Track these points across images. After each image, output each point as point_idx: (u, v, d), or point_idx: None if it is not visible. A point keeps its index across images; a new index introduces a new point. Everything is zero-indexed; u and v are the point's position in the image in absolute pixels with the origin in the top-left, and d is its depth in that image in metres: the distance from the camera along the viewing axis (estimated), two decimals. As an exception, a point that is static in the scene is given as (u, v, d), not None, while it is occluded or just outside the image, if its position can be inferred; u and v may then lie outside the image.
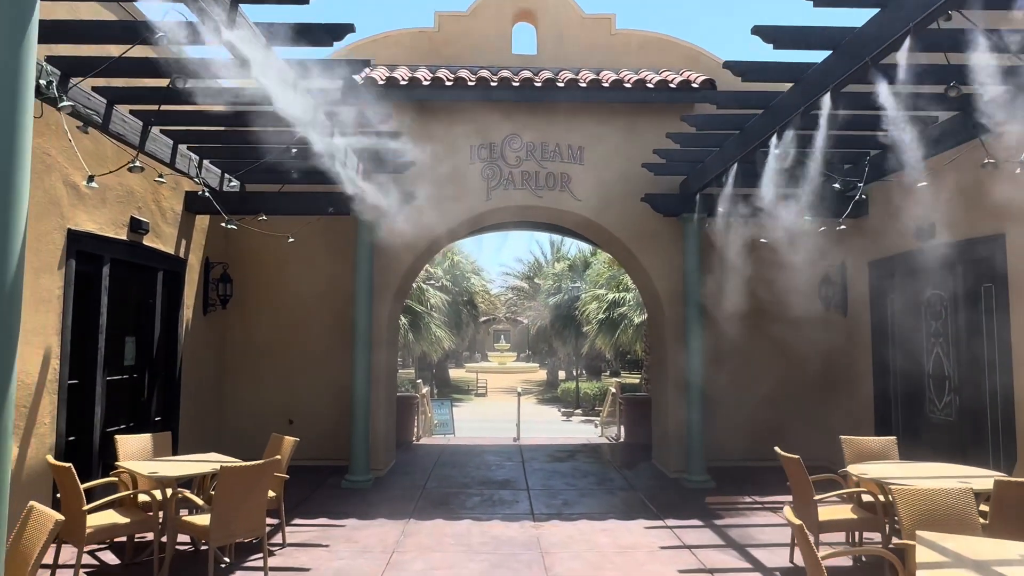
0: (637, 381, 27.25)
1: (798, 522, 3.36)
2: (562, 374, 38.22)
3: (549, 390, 35.47)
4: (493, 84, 8.86)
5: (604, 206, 9.17)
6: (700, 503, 7.46)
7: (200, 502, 4.97)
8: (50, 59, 5.14)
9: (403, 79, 8.78)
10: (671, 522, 6.71)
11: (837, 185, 6.40)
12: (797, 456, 5.22)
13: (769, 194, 6.65)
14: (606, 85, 8.85)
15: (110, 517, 4.99)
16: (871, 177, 7.30)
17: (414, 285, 22.20)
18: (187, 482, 5.82)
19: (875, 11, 4.48)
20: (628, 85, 8.86)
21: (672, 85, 8.84)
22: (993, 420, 6.42)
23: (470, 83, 8.79)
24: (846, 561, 5.52)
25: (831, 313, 9.20)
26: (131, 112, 6.35)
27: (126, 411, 7.24)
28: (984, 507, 4.47)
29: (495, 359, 49.16)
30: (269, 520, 5.98)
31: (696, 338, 8.44)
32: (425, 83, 8.78)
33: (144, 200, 7.34)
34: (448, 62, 9.47)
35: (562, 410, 27.60)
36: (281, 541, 5.88)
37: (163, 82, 6.02)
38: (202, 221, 8.75)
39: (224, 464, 4.79)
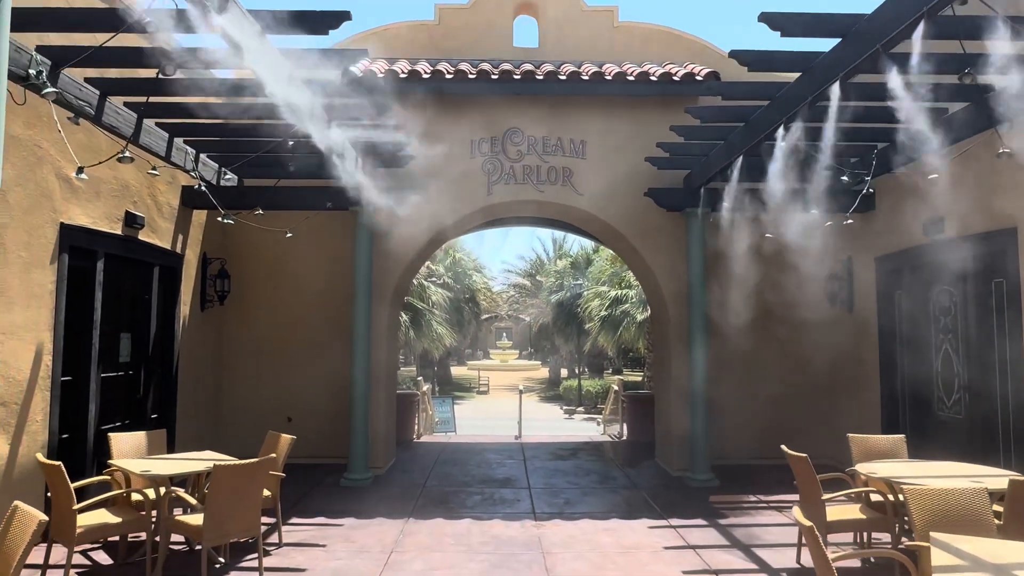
0: (639, 379, 27.18)
1: (808, 524, 3.23)
2: (564, 372, 38.14)
3: (551, 388, 35.37)
4: (494, 77, 8.73)
5: (607, 201, 9.04)
6: (704, 502, 7.34)
7: (193, 501, 4.86)
8: (41, 49, 5.02)
9: (403, 72, 8.65)
10: (675, 521, 6.59)
11: (845, 178, 6.26)
12: (804, 455, 5.10)
13: (774, 188, 6.52)
14: (609, 78, 8.72)
15: (101, 516, 4.88)
16: (879, 171, 7.16)
17: (415, 282, 22.11)
18: (182, 481, 5.73)
19: (888, -4, 4.35)
20: (631, 78, 8.73)
21: (676, 78, 8.70)
22: (1004, 418, 6.29)
23: (471, 76, 8.67)
24: (854, 562, 5.39)
25: (837, 309, 9.06)
26: (125, 104, 6.23)
27: (121, 408, 7.14)
28: (997, 507, 4.34)
29: (497, 357, 49.08)
30: (265, 519, 5.88)
31: (700, 334, 8.31)
32: (425, 76, 8.65)
33: (139, 194, 7.23)
34: (449, 55, 9.34)
35: (564, 408, 27.50)
36: (277, 541, 5.77)
37: (157, 73, 5.93)
38: (199, 216, 8.64)
39: (217, 463, 4.67)
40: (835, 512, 5.13)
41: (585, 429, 19.15)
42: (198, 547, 5.02)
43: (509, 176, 9.06)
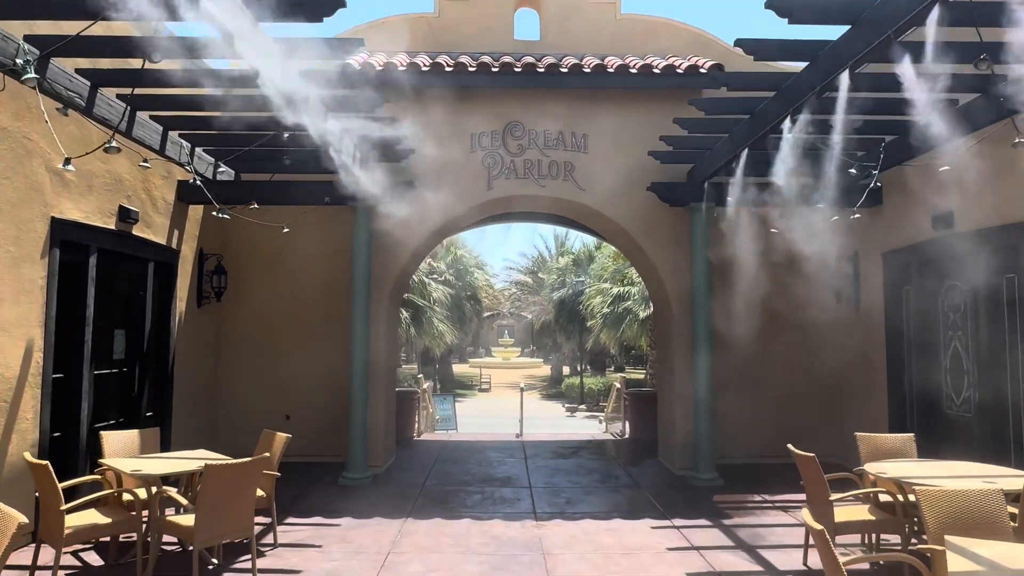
0: (642, 376, 27.03)
1: (819, 527, 3.10)
2: (566, 369, 38.04)
3: (553, 385, 35.27)
4: (495, 70, 8.59)
5: (609, 196, 8.90)
6: (708, 502, 7.21)
7: (184, 501, 4.74)
8: (29, 38, 4.90)
9: (401, 65, 8.52)
10: (678, 522, 6.47)
11: (853, 170, 6.11)
12: (812, 455, 4.96)
13: (780, 181, 6.39)
14: (611, 70, 8.57)
15: (91, 517, 4.76)
16: (886, 164, 7.01)
17: (415, 278, 22.00)
18: (175, 480, 5.62)
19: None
20: (634, 71, 8.58)
21: (679, 70, 8.55)
22: (1016, 416, 6.14)
23: (471, 69, 8.52)
24: (862, 564, 5.26)
25: (843, 306, 8.91)
26: (118, 96, 6.10)
27: (115, 406, 7.03)
28: (1012, 509, 4.21)
29: (499, 354, 48.97)
30: (261, 519, 5.79)
31: (704, 331, 8.17)
32: (424, 69, 8.51)
33: (134, 188, 7.11)
34: (448, 48, 9.20)
35: (566, 406, 27.39)
36: (272, 541, 5.65)
37: (151, 65, 5.81)
38: (196, 211, 8.52)
39: (209, 462, 4.55)
40: (843, 513, 4.99)
41: (587, 427, 19.02)
42: (191, 548, 4.91)
43: (510, 170, 8.92)
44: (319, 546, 5.66)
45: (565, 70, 8.59)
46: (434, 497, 7.39)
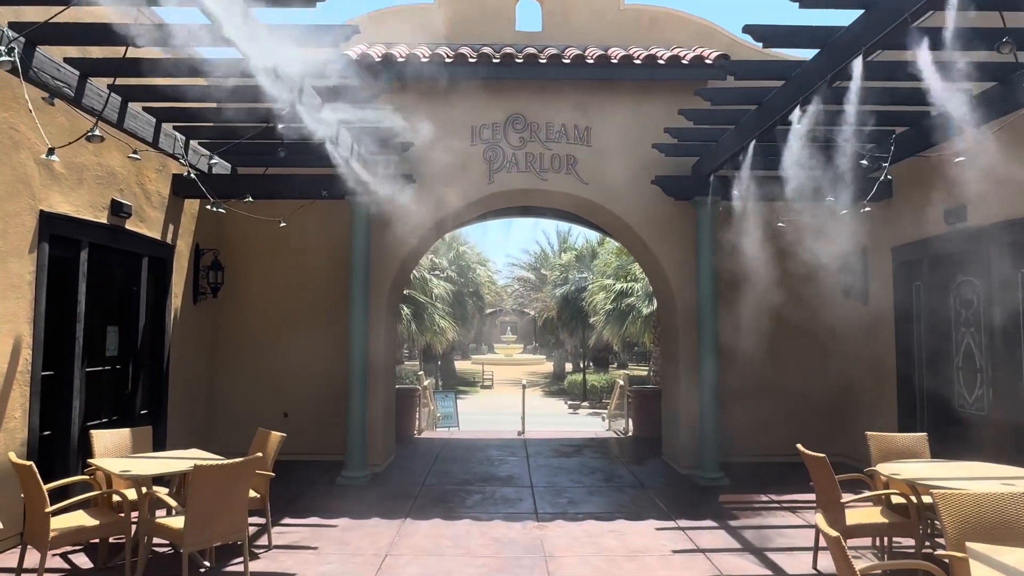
0: (645, 373, 26.88)
1: (835, 534, 2.94)
2: (569, 366, 37.90)
3: (556, 382, 35.15)
4: (496, 61, 8.41)
5: (612, 190, 8.73)
6: (714, 502, 7.05)
7: (172, 503, 4.59)
8: (15, 25, 4.74)
9: (400, 56, 8.35)
10: (683, 523, 6.31)
11: (865, 162, 5.93)
12: (823, 455, 4.80)
13: (788, 174, 6.20)
14: (615, 61, 8.39)
15: (78, 519, 4.62)
16: (897, 156, 6.82)
17: (417, 274, 21.85)
18: (168, 481, 5.49)
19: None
20: (638, 61, 8.40)
21: (684, 61, 8.37)
22: (1031, 415, 5.97)
23: (471, 60, 8.35)
24: (875, 572, 5.08)
25: (852, 302, 8.73)
26: (110, 87, 5.93)
27: (109, 404, 6.89)
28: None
29: (501, 351, 48.88)
30: (256, 520, 5.65)
31: (709, 327, 8.00)
32: (424, 60, 8.34)
33: (127, 182, 6.96)
34: (449, 39, 9.02)
35: (569, 403, 27.27)
36: (267, 543, 5.51)
37: (142, 53, 5.65)
38: (191, 206, 8.37)
39: (198, 462, 4.40)
40: (854, 515, 4.83)
41: (590, 424, 18.89)
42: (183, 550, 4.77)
43: (511, 164, 8.76)
44: (315, 548, 5.52)
45: (568, 61, 8.42)
46: (434, 497, 7.24)
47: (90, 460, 5.17)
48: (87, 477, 5.18)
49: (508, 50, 8.51)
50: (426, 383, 15.98)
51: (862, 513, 4.96)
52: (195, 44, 5.06)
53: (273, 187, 8.09)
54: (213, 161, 6.78)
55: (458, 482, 7.95)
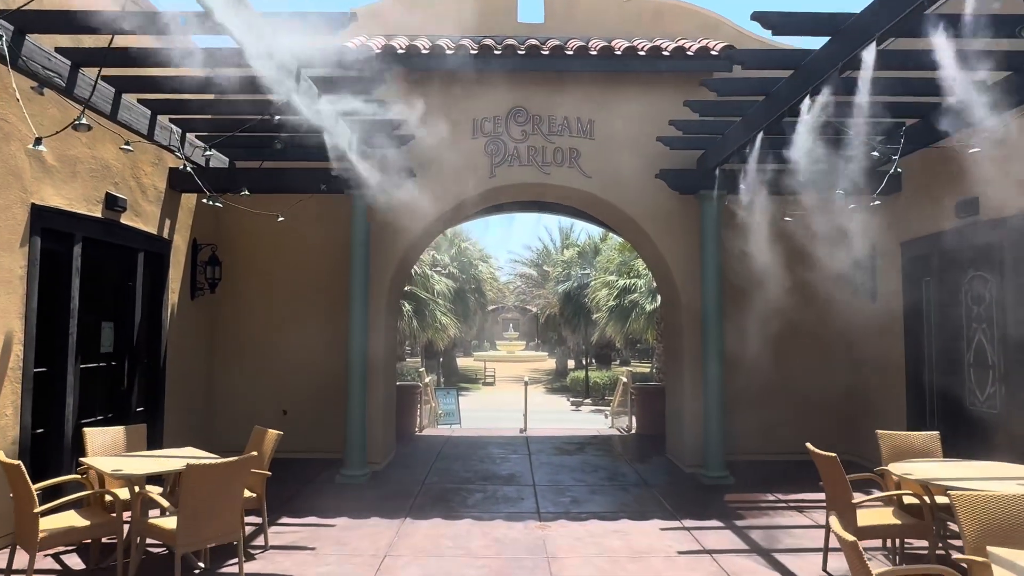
0: (648, 370, 26.76)
1: (851, 538, 2.81)
2: (571, 363, 37.74)
3: (558, 379, 35.03)
4: (497, 53, 8.27)
5: (616, 183, 8.58)
6: (719, 501, 6.92)
7: (164, 503, 4.47)
8: (2, 13, 4.62)
9: (400, 48, 8.21)
10: (688, 523, 6.18)
11: (876, 153, 5.78)
12: (833, 455, 4.67)
13: (795, 168, 6.05)
14: (619, 53, 8.24)
15: (69, 519, 4.50)
16: (908, 148, 6.67)
17: (418, 271, 21.73)
18: (162, 480, 5.37)
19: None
20: (642, 53, 8.25)
21: (689, 52, 8.22)
22: (1046, 413, 5.83)
23: (472, 52, 8.21)
24: (886, 570, 4.96)
25: (859, 298, 8.58)
26: (104, 78, 5.80)
27: (103, 401, 6.77)
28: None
29: (504, 348, 48.81)
30: (252, 519, 5.54)
31: (714, 324, 7.86)
32: (424, 52, 8.20)
33: (122, 175, 6.84)
34: (450, 31, 8.87)
35: (571, 400, 27.16)
36: (263, 543, 5.39)
37: (138, 42, 5.52)
38: (189, 200, 8.24)
39: (191, 462, 4.28)
40: (865, 516, 4.69)
41: (592, 421, 18.76)
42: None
43: (513, 157, 8.62)
44: (312, 548, 5.40)
45: (570, 53, 8.27)
46: (434, 496, 7.12)
47: (82, 459, 5.05)
48: (79, 476, 5.07)
49: (510, 42, 8.36)
50: (427, 380, 15.86)
51: (873, 514, 4.82)
52: (190, 33, 4.95)
53: (271, 181, 7.97)
54: (209, 154, 6.64)
55: (459, 481, 7.83)
